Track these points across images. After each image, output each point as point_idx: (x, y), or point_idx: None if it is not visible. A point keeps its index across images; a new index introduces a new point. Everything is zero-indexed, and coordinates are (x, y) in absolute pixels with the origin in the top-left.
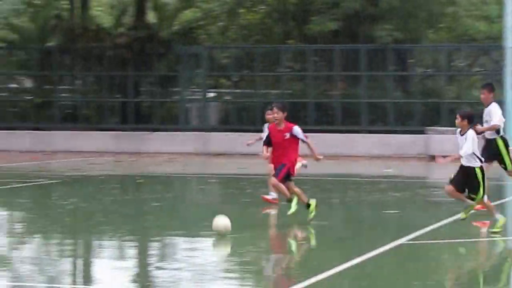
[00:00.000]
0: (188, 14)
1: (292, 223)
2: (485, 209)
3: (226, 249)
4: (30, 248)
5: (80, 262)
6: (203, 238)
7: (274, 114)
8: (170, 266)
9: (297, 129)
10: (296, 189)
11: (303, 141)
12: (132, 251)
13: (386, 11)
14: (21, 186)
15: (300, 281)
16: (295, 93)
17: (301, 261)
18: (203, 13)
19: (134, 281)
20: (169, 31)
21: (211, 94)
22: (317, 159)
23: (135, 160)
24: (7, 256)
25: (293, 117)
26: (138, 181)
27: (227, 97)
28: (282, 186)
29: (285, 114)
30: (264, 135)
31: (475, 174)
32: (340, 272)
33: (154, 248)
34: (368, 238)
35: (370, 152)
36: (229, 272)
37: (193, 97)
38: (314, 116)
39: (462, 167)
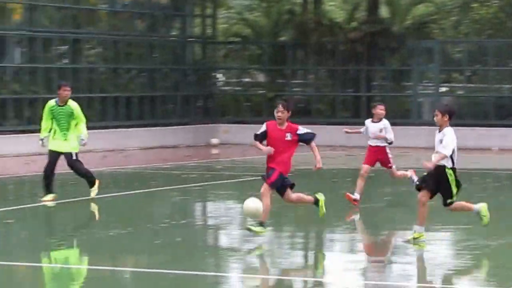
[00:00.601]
0: (421, 9)
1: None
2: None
3: (456, 243)
4: (262, 240)
5: (311, 255)
6: (433, 233)
7: (279, 113)
8: (401, 260)
9: (302, 128)
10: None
11: (307, 141)
12: (362, 245)
13: None
14: (253, 180)
15: None
16: None
17: None
18: (436, 8)
19: (363, 275)
20: (401, 25)
21: (444, 89)
22: (317, 167)
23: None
24: (240, 248)
25: None
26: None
27: (460, 92)
28: (267, 201)
29: (290, 113)
30: (363, 129)
31: (447, 176)
32: None
33: (385, 242)
34: None
35: None
36: (458, 267)
37: (426, 91)
38: None
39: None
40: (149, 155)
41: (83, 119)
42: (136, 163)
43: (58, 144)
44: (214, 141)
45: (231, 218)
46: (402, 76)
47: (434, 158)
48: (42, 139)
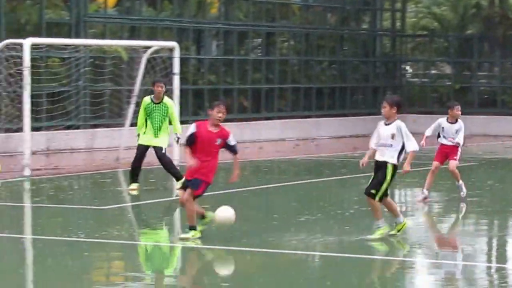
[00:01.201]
0: None
1: None
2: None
3: None
4: (443, 228)
5: (495, 242)
6: None
7: (220, 114)
8: None
9: (233, 138)
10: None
11: (234, 152)
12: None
13: None
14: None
15: None
16: None
17: None
18: None
19: None
20: None
21: None
22: (233, 179)
23: None
24: (422, 234)
25: None
26: None
27: None
28: (192, 206)
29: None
30: (429, 132)
31: (386, 170)
32: None
33: None
34: None
35: None
36: None
37: None
38: None
39: (376, 163)
40: (339, 144)
41: (177, 117)
42: (327, 152)
43: (149, 139)
44: None
45: (416, 206)
46: None
47: (407, 159)
48: (138, 135)
